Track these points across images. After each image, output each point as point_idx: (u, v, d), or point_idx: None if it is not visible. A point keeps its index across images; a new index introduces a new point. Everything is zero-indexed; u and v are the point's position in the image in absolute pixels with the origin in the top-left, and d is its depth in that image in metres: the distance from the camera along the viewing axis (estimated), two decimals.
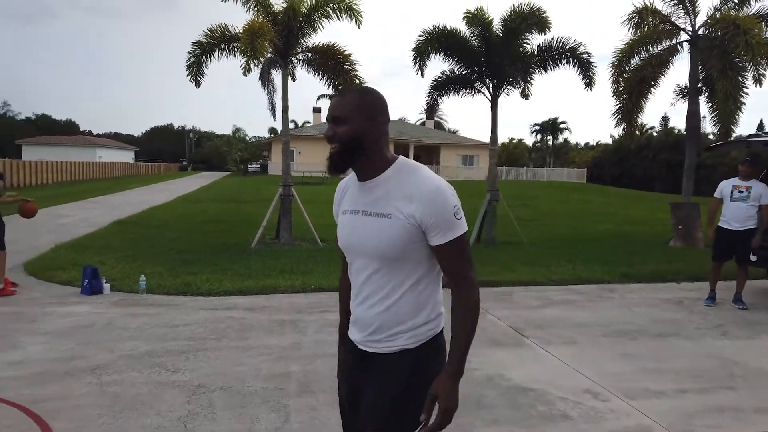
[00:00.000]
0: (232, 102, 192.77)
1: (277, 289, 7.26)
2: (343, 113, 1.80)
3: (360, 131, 1.80)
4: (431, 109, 11.41)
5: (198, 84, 11.17)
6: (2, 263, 6.97)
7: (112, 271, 8.05)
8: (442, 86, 11.31)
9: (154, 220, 15.48)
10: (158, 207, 20.07)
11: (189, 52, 10.69)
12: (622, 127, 12.20)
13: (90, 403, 3.87)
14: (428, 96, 11.45)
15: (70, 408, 3.78)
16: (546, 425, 3.67)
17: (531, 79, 10.42)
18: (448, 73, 11.29)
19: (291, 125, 61.46)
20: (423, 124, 66.64)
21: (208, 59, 10.80)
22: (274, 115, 11.58)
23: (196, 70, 10.79)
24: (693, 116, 11.98)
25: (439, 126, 66.30)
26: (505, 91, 10.76)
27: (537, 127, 66.31)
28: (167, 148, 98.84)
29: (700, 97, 12.07)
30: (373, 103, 1.85)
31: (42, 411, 3.73)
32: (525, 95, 10.44)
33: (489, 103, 10.93)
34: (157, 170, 71.46)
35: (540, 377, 4.45)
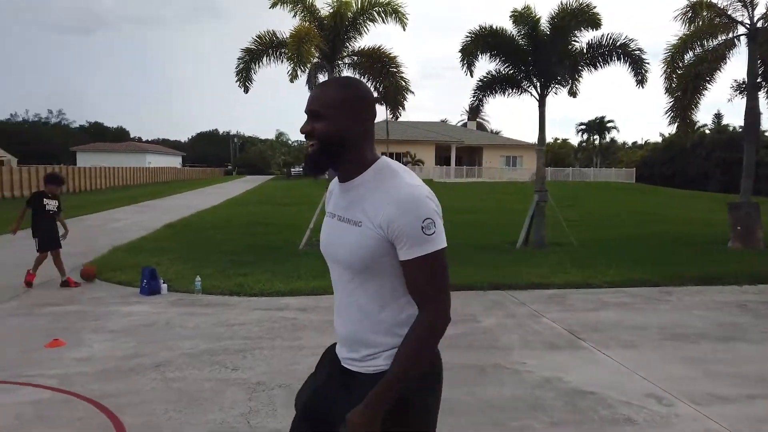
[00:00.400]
0: (275, 106, 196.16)
1: (327, 290, 7.32)
2: (323, 108, 1.61)
3: (341, 130, 1.61)
4: (476, 110, 11.33)
5: (246, 90, 11.42)
6: (58, 262, 7.69)
7: (167, 272, 8.28)
8: (488, 86, 11.21)
9: (203, 223, 15.89)
10: (207, 210, 20.59)
11: (238, 59, 10.94)
12: (676, 124, 11.81)
13: (156, 398, 4.00)
14: (473, 96, 11.38)
15: (137, 403, 3.91)
16: (609, 429, 3.58)
17: (579, 77, 10.23)
18: (494, 72, 11.19)
19: None
20: (465, 125, 66.18)
21: (257, 65, 11.03)
22: None
23: (244, 75, 11.03)
24: (752, 112, 11.50)
25: (481, 127, 65.76)
26: (553, 90, 10.59)
27: (583, 127, 64.84)
28: (212, 152, 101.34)
29: (759, 93, 11.59)
30: (359, 98, 1.64)
31: (111, 405, 3.87)
32: (573, 93, 10.25)
33: (536, 103, 10.78)
34: (203, 175, 73.36)
35: (599, 380, 4.36)
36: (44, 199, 7.64)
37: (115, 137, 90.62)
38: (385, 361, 1.62)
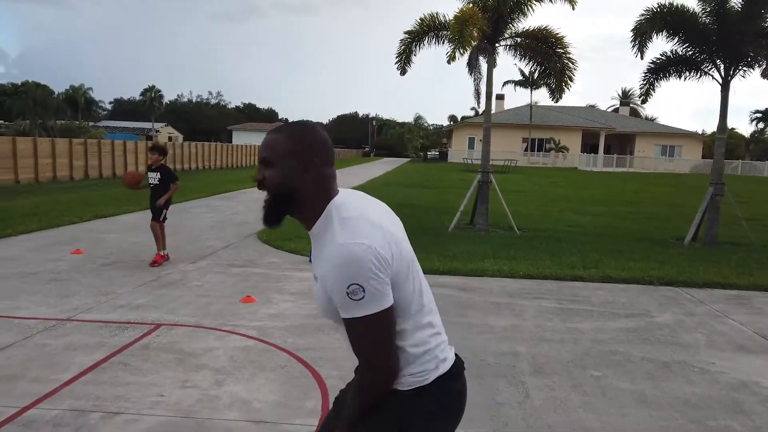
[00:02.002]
0: (414, 90, 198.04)
1: (485, 272, 7.37)
2: (271, 155, 1.55)
3: (291, 178, 1.54)
4: (646, 95, 10.57)
5: (404, 72, 11.65)
6: (156, 234, 7.37)
7: None
8: (661, 69, 10.41)
9: None
10: (354, 189, 21.46)
11: (400, 41, 11.17)
12: None
13: (345, 356, 4.32)
14: (644, 80, 10.62)
15: (329, 358, 4.27)
16: None
17: None
18: (669, 54, 10.35)
19: (471, 113, 60.85)
20: (616, 110, 62.14)
21: (417, 48, 11.20)
22: (479, 102, 11.66)
23: (405, 58, 11.26)
24: None
25: (634, 113, 61.35)
26: (740, 72, 9.58)
27: (758, 115, 57.89)
28: (351, 134, 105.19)
29: None
30: (307, 141, 1.55)
31: (307, 358, 4.27)
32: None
33: (703, 88, 9.90)
34: (343, 155, 76.53)
35: None
36: (148, 173, 7.54)
37: (266, 117, 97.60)
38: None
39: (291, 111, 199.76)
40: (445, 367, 1.63)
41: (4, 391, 3.53)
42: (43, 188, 18.27)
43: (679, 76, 10.26)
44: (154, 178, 7.45)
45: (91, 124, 66.84)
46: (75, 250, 7.92)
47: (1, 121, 64.06)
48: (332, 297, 1.48)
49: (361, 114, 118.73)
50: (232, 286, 6.36)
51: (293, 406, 3.48)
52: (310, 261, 1.80)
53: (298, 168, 1.53)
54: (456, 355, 1.73)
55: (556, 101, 10.63)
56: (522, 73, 43.02)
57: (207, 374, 3.90)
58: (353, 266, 1.41)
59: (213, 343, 4.53)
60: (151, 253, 7.54)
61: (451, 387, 1.64)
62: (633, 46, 9.85)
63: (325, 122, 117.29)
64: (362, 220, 1.51)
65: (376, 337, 1.50)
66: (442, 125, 78.03)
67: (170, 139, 65.56)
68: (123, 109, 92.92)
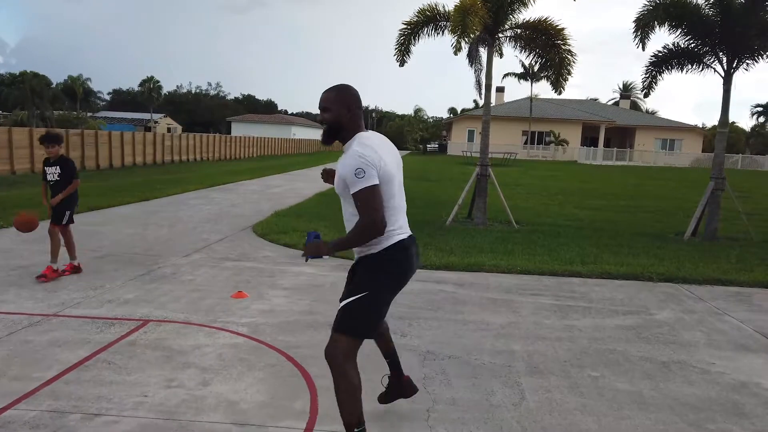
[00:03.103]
0: (414, 82, 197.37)
1: (481, 267, 7.26)
2: (327, 104, 2.76)
3: (338, 117, 2.75)
4: (649, 88, 10.42)
5: (402, 63, 11.49)
6: (57, 240, 6.24)
7: (325, 238, 8.68)
8: (664, 62, 10.25)
9: None
10: None
11: (399, 31, 11.00)
12: None
13: None
14: (646, 73, 10.47)
15: (320, 356, 4.13)
16: None
17: None
18: (672, 46, 10.20)
19: (471, 105, 60.57)
20: (617, 103, 61.91)
21: (416, 39, 11.04)
22: (480, 94, 11.51)
23: (404, 49, 11.10)
24: None
25: (635, 106, 61.11)
26: (743, 65, 9.42)
27: (759, 109, 57.60)
28: None
29: None
30: (349, 96, 2.78)
31: (297, 356, 4.17)
32: None
33: (704, 82, 9.72)
34: (342, 148, 76.33)
35: None
36: (45, 168, 6.32)
37: (265, 109, 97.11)
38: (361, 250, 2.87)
39: (290, 102, 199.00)
40: (401, 239, 2.81)
41: None
42: (40, 179, 18.14)
43: (681, 69, 10.12)
44: (53, 173, 6.22)
45: (89, 114, 66.54)
46: None
47: None
48: (346, 180, 2.63)
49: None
50: (225, 280, 6.25)
51: (281, 407, 3.38)
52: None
53: (342, 110, 2.76)
54: (411, 235, 2.90)
55: (559, 93, 10.49)
56: (522, 65, 42.74)
57: (194, 373, 3.80)
58: (358, 160, 2.60)
59: (202, 340, 4.42)
60: (145, 245, 7.42)
61: (402, 248, 2.81)
62: (635, 38, 9.70)
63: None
64: (369, 147, 2.68)
65: (371, 202, 2.61)
66: (441, 118, 77.78)
67: (169, 130, 65.28)
68: (122, 99, 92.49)
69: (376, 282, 2.77)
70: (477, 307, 5.66)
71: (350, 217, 2.77)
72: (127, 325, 4.67)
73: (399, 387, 3.37)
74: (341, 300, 2.88)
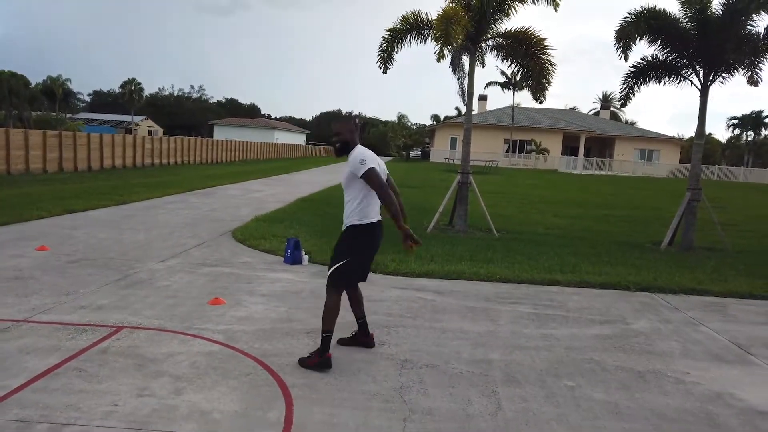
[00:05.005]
0: (397, 89, 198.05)
1: (461, 275, 7.27)
2: (339, 130, 4.18)
3: (346, 138, 4.16)
4: (626, 98, 10.56)
5: (386, 70, 11.50)
6: None
7: (305, 244, 8.63)
8: (642, 73, 10.40)
9: (333, 200, 16.43)
10: (335, 187, 21.29)
11: (382, 38, 11.03)
12: None
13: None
14: (623, 84, 10.62)
15: (296, 364, 4.11)
16: None
17: (760, 63, 9.09)
18: (650, 58, 10.35)
19: (454, 112, 60.72)
20: (597, 114, 62.73)
21: (400, 46, 11.07)
22: (464, 101, 11.56)
23: (386, 56, 11.11)
24: None
25: (614, 117, 62.02)
26: (720, 78, 9.60)
27: (735, 121, 58.80)
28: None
29: None
30: (351, 124, 4.19)
31: (273, 364, 4.11)
32: (754, 82, 9.12)
33: (681, 94, 9.85)
34: (325, 153, 76.12)
35: None
36: None
37: (248, 113, 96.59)
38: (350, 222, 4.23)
39: (273, 107, 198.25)
40: (376, 220, 4.22)
41: None
42: (15, 180, 17.77)
43: (659, 81, 10.28)
44: None
45: (68, 115, 65.56)
46: (40, 246, 7.64)
47: None
48: (352, 170, 4.03)
49: (344, 112, 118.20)
50: (201, 286, 6.16)
51: (255, 416, 3.33)
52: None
53: (349, 133, 4.17)
54: (380, 220, 4.27)
55: (540, 102, 10.58)
56: (504, 74, 43.15)
57: (166, 382, 3.72)
58: (360, 156, 4.05)
59: (176, 347, 4.34)
60: (121, 250, 7.29)
61: (373, 226, 4.19)
62: (617, 49, 9.82)
63: (307, 119, 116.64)
64: (366, 151, 4.13)
65: (376, 178, 4.00)
66: (425, 124, 78.00)
67: (150, 132, 64.60)
68: (102, 101, 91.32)
69: (352, 249, 4.15)
70: (456, 315, 5.65)
71: (350, 200, 4.15)
72: (99, 331, 4.58)
73: (365, 339, 4.58)
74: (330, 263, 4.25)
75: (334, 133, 4.16)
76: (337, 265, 4.12)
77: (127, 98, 72.99)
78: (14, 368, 3.79)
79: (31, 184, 16.58)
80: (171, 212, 11.99)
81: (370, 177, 3.96)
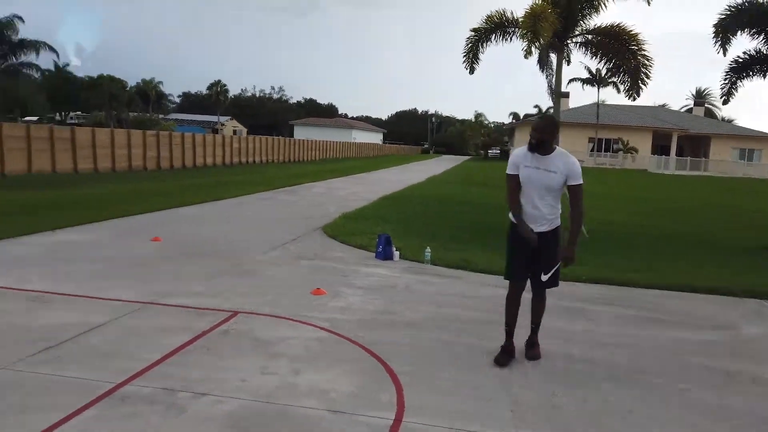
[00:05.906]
0: (474, 88, 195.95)
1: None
2: (541, 128, 4.10)
3: (549, 136, 4.11)
4: (728, 95, 10.07)
5: (472, 70, 11.57)
6: None
7: (394, 241, 8.87)
8: (745, 68, 9.89)
9: (415, 198, 16.68)
10: (415, 186, 21.54)
11: (467, 39, 11.13)
12: None
13: (415, 352, 4.37)
14: (725, 79, 10.12)
15: (400, 353, 4.32)
16: None
17: None
18: (753, 52, 9.82)
19: (534, 111, 59.30)
20: (690, 111, 59.40)
21: (485, 45, 11.10)
22: (552, 98, 11.44)
23: (472, 56, 11.18)
24: None
25: (709, 114, 58.46)
26: None
27: None
28: (410, 131, 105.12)
29: None
30: (555, 127, 4.27)
31: (378, 351, 4.34)
32: None
33: None
34: (401, 152, 76.64)
35: None
36: None
37: (326, 113, 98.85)
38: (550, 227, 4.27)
39: (350, 106, 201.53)
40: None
41: (101, 367, 3.77)
42: (120, 177, 19.27)
43: (764, 76, 9.73)
44: None
45: (161, 116, 69.71)
46: (154, 238, 8.33)
47: (79, 113, 67.79)
48: (570, 174, 4.13)
49: (420, 110, 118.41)
50: (303, 277, 6.52)
51: (369, 398, 3.56)
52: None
53: (551, 133, 4.11)
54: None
55: (634, 99, 10.30)
56: (589, 70, 41.71)
57: (284, 362, 4.03)
58: (579, 166, 4.20)
59: (289, 332, 4.67)
60: (225, 242, 7.80)
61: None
62: (715, 43, 9.41)
63: (383, 118, 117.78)
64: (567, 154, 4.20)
65: (582, 194, 4.24)
66: (503, 123, 76.82)
67: (235, 132, 67.56)
68: (190, 102, 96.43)
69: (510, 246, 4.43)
70: (548, 314, 5.65)
71: (546, 205, 4.16)
72: (217, 315, 4.99)
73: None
74: (544, 269, 4.28)
75: (540, 131, 4.02)
76: (555, 270, 4.25)
77: (214, 99, 76.67)
78: (152, 344, 4.23)
79: (137, 181, 17.91)
80: (263, 209, 12.64)
81: (582, 191, 4.14)
